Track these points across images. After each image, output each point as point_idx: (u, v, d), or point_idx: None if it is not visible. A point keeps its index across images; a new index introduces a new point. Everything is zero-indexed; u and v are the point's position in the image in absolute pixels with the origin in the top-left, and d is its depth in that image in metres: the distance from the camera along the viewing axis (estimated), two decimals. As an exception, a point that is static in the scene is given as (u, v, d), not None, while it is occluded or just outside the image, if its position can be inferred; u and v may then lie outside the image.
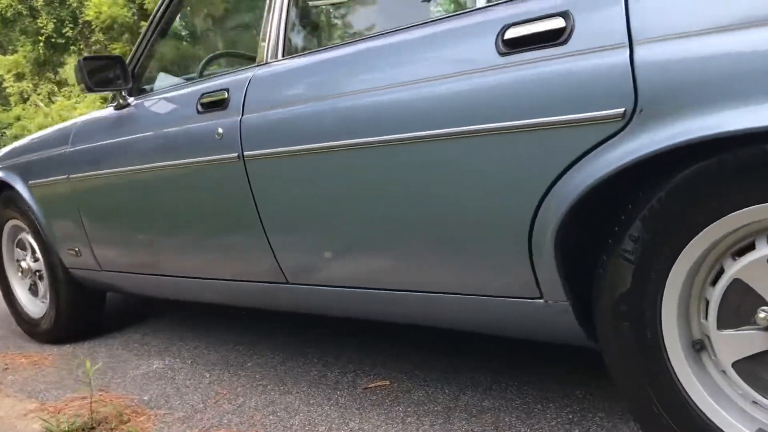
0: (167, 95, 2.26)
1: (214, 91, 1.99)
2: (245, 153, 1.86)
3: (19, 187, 2.84)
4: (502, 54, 1.35)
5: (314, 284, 1.90)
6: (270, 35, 1.92)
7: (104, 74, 2.32)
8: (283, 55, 1.91)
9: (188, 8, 2.41)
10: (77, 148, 2.53)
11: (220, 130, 1.93)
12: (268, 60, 1.92)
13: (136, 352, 2.81)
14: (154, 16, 2.33)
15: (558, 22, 1.29)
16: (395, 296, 1.68)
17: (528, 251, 1.39)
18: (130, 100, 2.34)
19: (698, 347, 1.27)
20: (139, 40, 2.39)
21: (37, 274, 3.05)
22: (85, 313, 2.99)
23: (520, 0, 1.37)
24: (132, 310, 3.48)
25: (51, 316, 2.95)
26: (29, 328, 3.11)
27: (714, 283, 1.22)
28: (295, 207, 1.82)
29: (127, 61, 2.42)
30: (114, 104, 2.46)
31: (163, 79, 2.43)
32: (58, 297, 2.90)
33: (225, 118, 1.92)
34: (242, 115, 1.87)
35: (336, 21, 2.18)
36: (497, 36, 1.35)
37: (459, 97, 1.39)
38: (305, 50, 1.93)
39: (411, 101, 1.46)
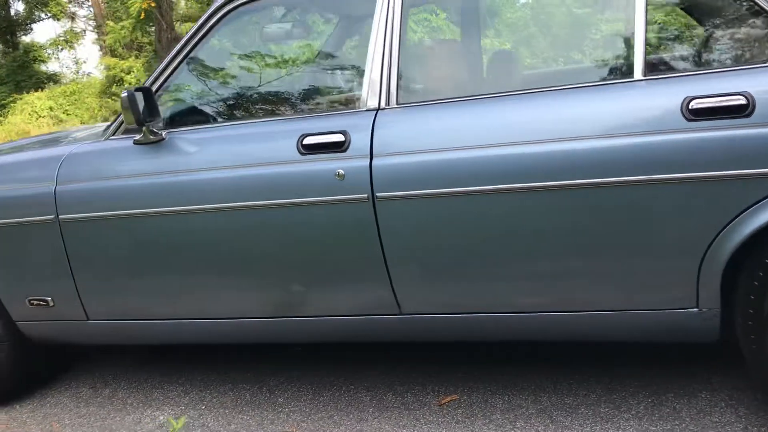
0: (230, 133, 2.21)
1: (323, 133, 2.05)
2: (377, 194, 1.98)
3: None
4: (688, 120, 1.76)
5: (435, 313, 2.09)
6: (381, 80, 2.06)
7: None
8: (397, 102, 2.06)
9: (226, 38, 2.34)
10: (73, 185, 2.29)
11: (341, 171, 2.01)
12: (383, 105, 2.05)
13: (114, 404, 2.61)
14: (185, 44, 2.26)
15: (740, 100, 1.74)
16: (539, 317, 1.98)
17: (697, 272, 1.82)
18: (164, 133, 2.22)
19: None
20: (162, 67, 2.27)
21: None
22: (23, 371, 2.64)
23: (703, 78, 1.79)
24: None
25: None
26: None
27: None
28: (429, 243, 2.00)
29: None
30: (123, 137, 2.30)
31: (190, 113, 2.33)
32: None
33: (347, 161, 2.01)
34: (372, 159, 1.99)
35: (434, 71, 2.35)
36: (681, 105, 1.74)
37: (648, 150, 1.76)
38: (421, 97, 2.09)
39: (601, 151, 1.79)
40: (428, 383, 2.46)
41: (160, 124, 2.24)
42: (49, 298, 2.40)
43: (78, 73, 23.77)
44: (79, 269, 2.33)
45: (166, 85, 2.28)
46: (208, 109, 2.35)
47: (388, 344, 2.66)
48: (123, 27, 18.08)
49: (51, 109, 16.84)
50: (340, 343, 2.66)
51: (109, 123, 2.42)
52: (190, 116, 2.34)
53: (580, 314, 1.94)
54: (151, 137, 2.21)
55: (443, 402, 2.34)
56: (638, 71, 1.84)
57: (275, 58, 2.44)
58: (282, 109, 2.33)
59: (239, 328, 2.26)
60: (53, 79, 25.73)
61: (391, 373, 2.57)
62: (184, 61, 2.27)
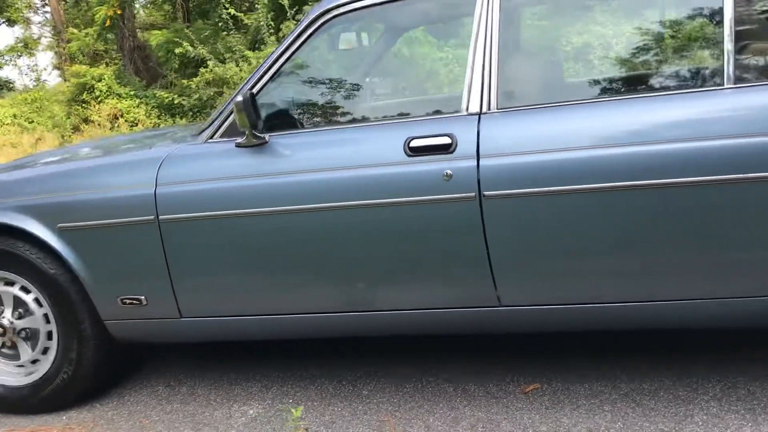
0: (335, 137, 2.33)
1: (430, 136, 2.19)
2: (484, 193, 2.13)
3: (37, 230, 2.49)
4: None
5: (533, 305, 2.23)
6: (482, 85, 2.21)
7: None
8: (498, 106, 2.21)
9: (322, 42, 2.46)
10: (174, 187, 2.38)
11: (449, 172, 2.15)
12: (485, 110, 2.20)
13: (198, 401, 2.68)
14: (285, 49, 2.36)
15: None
16: (646, 306, 2.14)
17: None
18: (266, 137, 2.33)
19: None
20: (261, 72, 2.38)
21: (23, 333, 2.66)
22: (105, 370, 2.71)
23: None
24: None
25: (56, 379, 2.64)
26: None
27: None
28: (532, 239, 2.15)
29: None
30: (222, 140, 2.40)
31: (290, 116, 2.44)
32: (80, 355, 2.59)
33: (455, 162, 2.15)
34: (479, 160, 2.13)
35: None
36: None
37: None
38: (521, 101, 2.25)
39: (700, 151, 1.96)
40: (506, 374, 2.60)
41: (260, 128, 2.32)
42: (143, 297, 2.47)
43: (39, 80, 23.32)
44: (176, 268, 2.41)
45: (264, 89, 2.37)
46: (307, 114, 2.45)
47: (459, 337, 2.79)
48: (87, 34, 17.92)
49: (15, 116, 16.58)
50: (412, 337, 2.78)
51: (204, 126, 2.49)
52: (289, 120, 2.44)
53: (675, 303, 2.10)
54: (255, 140, 2.30)
55: (527, 390, 2.48)
56: (727, 79, 2.01)
57: (379, 62, 2.56)
58: (384, 113, 2.45)
59: (337, 322, 2.36)
60: (6, 86, 25.21)
61: (467, 365, 2.70)
62: (283, 66, 2.37)
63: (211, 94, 12.39)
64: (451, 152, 2.15)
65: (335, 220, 2.25)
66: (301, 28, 2.37)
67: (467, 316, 2.28)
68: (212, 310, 2.46)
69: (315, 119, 2.46)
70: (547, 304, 2.20)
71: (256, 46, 12.82)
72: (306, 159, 2.29)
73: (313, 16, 2.37)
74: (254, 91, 2.37)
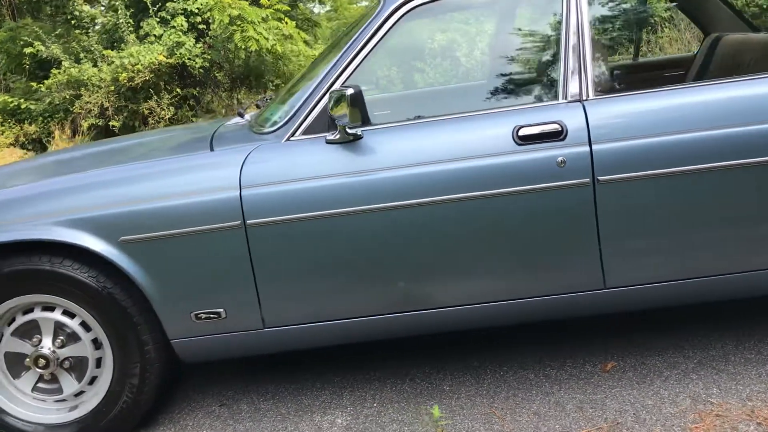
0: (434, 128, 2.28)
1: (539, 124, 2.22)
2: (598, 178, 2.20)
3: (95, 246, 2.25)
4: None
5: (636, 285, 2.32)
6: (580, 72, 2.27)
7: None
8: (595, 93, 2.28)
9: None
10: (262, 188, 2.23)
11: (563, 159, 2.20)
12: (585, 97, 2.26)
13: (269, 416, 2.53)
14: (372, 35, 2.29)
15: None
16: (740, 277, 2.29)
17: None
18: (359, 131, 2.26)
19: None
20: (343, 66, 2.29)
21: (67, 362, 2.39)
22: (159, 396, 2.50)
23: None
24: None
25: (113, 410, 2.39)
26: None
27: None
28: (642, 221, 2.24)
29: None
30: (306, 137, 2.29)
31: (379, 110, 2.36)
32: (142, 381, 2.37)
33: (567, 149, 2.20)
34: (591, 145, 2.20)
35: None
36: None
37: None
38: (620, 88, 2.33)
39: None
40: (575, 355, 2.67)
41: (346, 122, 2.23)
42: (222, 310, 2.29)
43: None
44: (263, 275, 2.26)
45: (347, 83, 2.28)
46: (399, 106, 2.37)
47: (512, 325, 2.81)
48: None
49: None
50: (463, 331, 2.76)
51: (279, 123, 2.34)
52: (378, 113, 2.35)
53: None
54: (349, 136, 2.21)
55: (607, 369, 2.56)
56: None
57: (466, 54, 2.52)
58: (482, 103, 2.42)
59: (440, 319, 2.32)
60: None
61: (529, 353, 2.74)
62: (365, 59, 2.29)
63: (66, 97, 11.54)
64: (562, 139, 2.18)
65: (442, 215, 2.21)
66: (381, 20, 2.29)
67: (570, 301, 2.31)
68: (300, 317, 2.32)
69: (408, 112, 2.38)
70: (650, 282, 2.28)
71: (114, 45, 12.10)
72: (407, 153, 2.22)
73: (392, 7, 2.30)
74: (336, 85, 2.26)
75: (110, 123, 11.34)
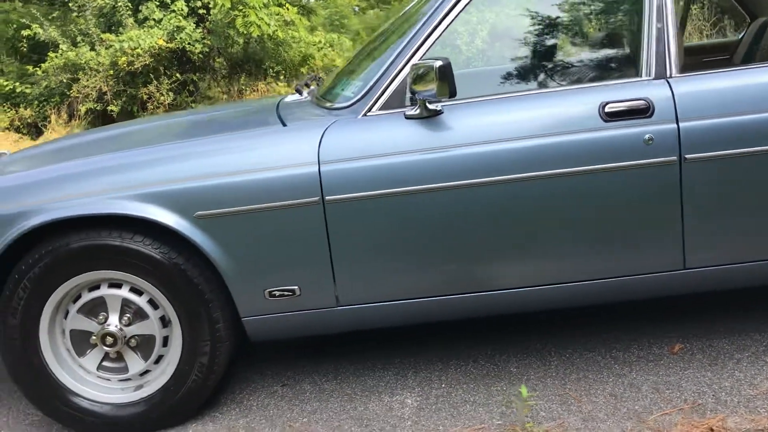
0: (518, 104, 2.25)
1: (627, 100, 2.19)
2: (685, 156, 2.17)
3: (169, 221, 2.19)
4: None
5: (715, 265, 2.30)
6: (665, 50, 2.24)
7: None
8: (679, 71, 2.25)
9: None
10: (340, 164, 2.18)
11: (650, 136, 2.17)
12: (670, 74, 2.23)
13: (336, 395, 2.49)
14: (450, 8, 2.24)
15: None
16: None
17: None
18: (439, 106, 2.21)
19: None
20: (421, 40, 2.25)
21: (133, 341, 2.34)
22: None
23: None
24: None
25: (181, 388, 2.33)
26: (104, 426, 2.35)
27: None
28: (726, 199, 2.21)
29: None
30: (384, 112, 2.25)
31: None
32: (212, 359, 2.32)
33: (654, 126, 2.17)
34: (678, 123, 2.17)
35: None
36: None
37: None
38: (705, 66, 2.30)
39: None
40: (639, 338, 2.65)
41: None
42: (296, 287, 2.25)
43: None
44: (340, 251, 2.21)
45: (425, 57, 2.23)
46: (481, 81, 2.33)
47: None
48: None
49: None
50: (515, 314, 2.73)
51: (354, 98, 2.29)
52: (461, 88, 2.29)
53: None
54: (429, 111, 2.17)
55: (675, 351, 2.54)
56: None
57: (552, 27, 2.48)
58: (564, 78, 2.38)
59: (517, 298, 2.29)
60: None
61: (589, 333, 2.72)
62: (442, 33, 2.24)
63: (64, 80, 11.38)
64: (649, 116, 2.15)
65: (524, 192, 2.18)
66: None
67: (647, 281, 2.29)
68: (374, 295, 2.27)
69: (490, 87, 2.34)
70: (730, 263, 2.26)
71: (112, 28, 11.93)
72: (490, 128, 2.19)
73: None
74: (414, 60, 2.22)
75: (108, 107, 11.18)
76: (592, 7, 2.73)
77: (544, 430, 2.11)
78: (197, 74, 11.67)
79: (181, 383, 2.30)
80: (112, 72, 11.15)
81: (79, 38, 11.80)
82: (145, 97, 11.34)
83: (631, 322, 2.76)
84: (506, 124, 2.19)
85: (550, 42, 2.59)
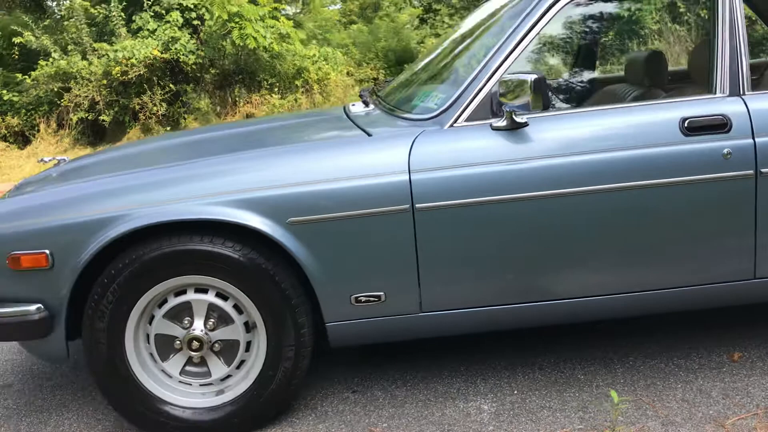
0: (600, 119, 2.33)
1: (707, 116, 2.28)
2: (760, 170, 2.27)
3: (263, 227, 2.23)
4: None
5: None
6: (738, 67, 2.34)
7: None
8: (749, 88, 2.36)
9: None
10: (430, 173, 2.24)
11: (729, 151, 2.27)
12: (743, 92, 2.34)
13: (410, 401, 2.52)
14: (533, 24, 2.32)
15: None
16: None
17: None
18: (525, 119, 2.29)
19: None
20: (503, 57, 2.32)
21: (216, 345, 2.37)
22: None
23: None
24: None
25: (264, 393, 2.36)
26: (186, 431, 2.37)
27: None
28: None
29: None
30: (469, 123, 2.32)
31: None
32: (295, 364, 2.36)
33: (732, 141, 2.27)
34: (754, 138, 2.27)
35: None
36: None
37: None
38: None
39: None
40: (696, 345, 2.74)
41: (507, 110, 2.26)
42: (382, 293, 2.29)
43: None
44: (426, 258, 2.26)
45: (506, 73, 2.30)
46: (561, 95, 2.41)
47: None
48: None
49: None
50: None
51: (437, 110, 2.36)
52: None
53: None
54: (515, 123, 2.24)
55: (735, 359, 2.63)
56: None
57: (627, 40, 2.56)
58: (642, 94, 2.47)
59: (594, 306, 2.36)
60: None
61: (650, 343, 2.80)
62: (522, 50, 2.32)
63: (55, 89, 11.30)
64: (727, 131, 2.25)
65: (605, 203, 2.25)
66: (542, 10, 2.32)
67: (717, 291, 2.38)
68: (456, 301, 2.34)
69: (569, 100, 2.42)
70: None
71: (105, 38, 11.88)
72: (573, 141, 2.27)
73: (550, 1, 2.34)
74: (498, 74, 2.29)
75: (100, 117, 11.11)
76: (669, 24, 2.83)
77: (630, 434, 2.17)
78: (191, 85, 11.65)
79: (265, 388, 2.32)
80: (105, 81, 11.08)
81: (70, 47, 11.72)
82: (137, 107, 11.29)
83: (681, 330, 2.86)
84: (589, 137, 2.27)
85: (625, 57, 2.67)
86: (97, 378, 2.30)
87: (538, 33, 2.33)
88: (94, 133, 11.95)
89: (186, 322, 2.29)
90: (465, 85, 2.33)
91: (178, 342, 2.30)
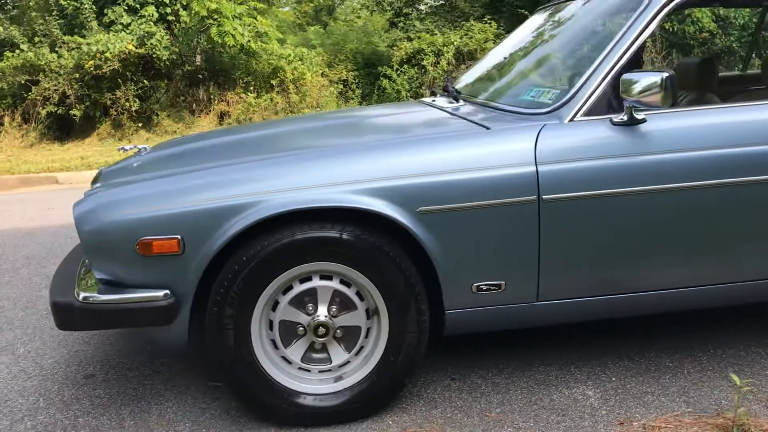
0: (709, 115, 2.46)
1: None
2: None
3: (397, 215, 2.28)
4: None
5: None
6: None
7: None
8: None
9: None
10: (556, 166, 2.33)
11: (829, 148, 2.42)
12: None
13: (519, 391, 2.60)
14: (645, 26, 2.44)
15: None
16: None
17: None
18: (642, 115, 2.40)
19: None
20: (616, 57, 2.43)
21: (338, 332, 2.41)
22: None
23: None
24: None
25: (386, 379, 2.40)
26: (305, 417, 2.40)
27: None
28: None
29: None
30: (588, 119, 2.41)
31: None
32: (416, 351, 2.42)
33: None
34: None
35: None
36: None
37: None
38: None
39: None
40: (749, 343, 2.88)
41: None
42: (503, 282, 2.36)
43: None
44: (548, 248, 2.34)
45: (617, 71, 2.41)
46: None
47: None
48: None
49: None
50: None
51: (553, 105, 2.45)
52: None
53: None
54: (635, 119, 2.35)
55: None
56: None
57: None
58: (749, 93, 2.60)
59: (701, 296, 2.48)
60: None
61: (729, 334, 2.95)
62: (641, 44, 2.43)
63: (22, 81, 10.99)
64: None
65: (720, 197, 2.37)
66: (651, 14, 2.43)
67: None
68: (572, 291, 2.42)
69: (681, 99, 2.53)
70: None
71: (75, 30, 11.61)
72: (691, 137, 2.37)
73: (660, 4, 2.45)
74: (613, 72, 2.39)
75: (71, 111, 10.85)
76: None
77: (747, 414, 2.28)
78: (165, 81, 11.47)
79: (385, 374, 2.36)
80: (77, 75, 10.83)
81: (37, 39, 11.40)
82: (108, 102, 11.06)
83: (755, 324, 2.99)
84: (708, 133, 2.38)
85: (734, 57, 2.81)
86: (221, 365, 2.29)
87: (653, 31, 2.42)
88: (61, 128, 11.64)
89: (309, 308, 2.31)
90: (582, 81, 2.42)
91: (301, 328, 2.31)
